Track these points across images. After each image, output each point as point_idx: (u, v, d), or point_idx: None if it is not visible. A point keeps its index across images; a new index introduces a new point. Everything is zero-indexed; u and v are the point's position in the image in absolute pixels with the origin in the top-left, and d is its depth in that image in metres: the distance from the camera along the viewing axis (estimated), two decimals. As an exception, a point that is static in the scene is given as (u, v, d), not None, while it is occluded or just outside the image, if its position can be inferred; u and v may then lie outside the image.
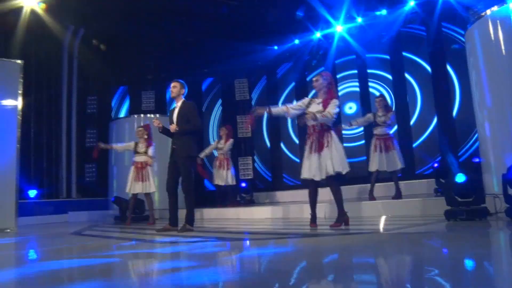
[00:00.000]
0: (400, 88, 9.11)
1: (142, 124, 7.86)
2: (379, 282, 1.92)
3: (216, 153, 8.96)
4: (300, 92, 10.46)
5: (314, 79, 4.70)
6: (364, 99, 9.50)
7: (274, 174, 11.03)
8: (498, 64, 5.09)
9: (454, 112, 8.19)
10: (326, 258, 2.73)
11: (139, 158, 7.37)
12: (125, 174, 9.48)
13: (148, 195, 7.44)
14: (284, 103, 10.67)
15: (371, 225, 4.72)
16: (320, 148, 4.43)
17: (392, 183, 6.60)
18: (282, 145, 11.01)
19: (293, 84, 11.02)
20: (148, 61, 11.38)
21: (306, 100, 4.78)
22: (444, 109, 8.19)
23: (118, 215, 8.80)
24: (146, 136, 7.46)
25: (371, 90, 9.51)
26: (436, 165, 6.92)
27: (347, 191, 8.51)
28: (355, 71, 9.98)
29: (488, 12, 5.32)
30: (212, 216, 8.11)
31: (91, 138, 11.32)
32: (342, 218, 4.52)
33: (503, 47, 5.10)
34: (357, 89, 9.86)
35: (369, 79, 9.60)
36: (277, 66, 11.32)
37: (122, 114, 11.92)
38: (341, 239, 3.72)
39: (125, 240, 5.08)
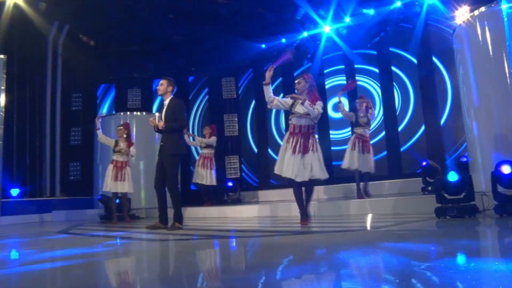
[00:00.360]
0: (386, 81, 9.21)
1: (122, 123, 7.74)
2: (370, 277, 1.91)
3: (199, 150, 9.01)
4: (288, 90, 10.50)
5: (296, 81, 4.75)
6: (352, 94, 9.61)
7: (260, 173, 11.01)
8: (485, 64, 5.16)
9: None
10: (316, 254, 2.72)
11: (119, 157, 7.29)
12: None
13: (125, 194, 7.42)
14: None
15: (362, 223, 4.73)
16: (305, 150, 4.45)
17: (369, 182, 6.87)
18: (268, 144, 11.00)
19: (280, 79, 11.03)
20: (134, 59, 11.23)
21: (290, 100, 4.78)
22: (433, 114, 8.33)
23: (104, 214, 8.68)
24: (125, 135, 7.38)
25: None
26: (424, 163, 6.98)
27: (335, 190, 8.65)
28: (342, 66, 10.03)
29: (476, 12, 5.39)
30: (200, 214, 8.05)
31: (75, 136, 11.16)
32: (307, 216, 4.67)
33: (490, 48, 5.18)
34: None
35: (356, 74, 9.67)
36: (264, 64, 11.28)
37: (108, 111, 11.75)
38: (332, 236, 3.73)
39: (112, 238, 4.99)
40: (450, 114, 8.24)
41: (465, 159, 6.88)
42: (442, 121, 8.33)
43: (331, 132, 9.99)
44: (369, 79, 9.64)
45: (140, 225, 6.78)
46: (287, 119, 10.18)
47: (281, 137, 10.76)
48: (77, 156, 11.12)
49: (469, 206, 4.37)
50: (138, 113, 9.98)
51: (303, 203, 4.75)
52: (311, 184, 4.64)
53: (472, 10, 6.92)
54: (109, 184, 7.16)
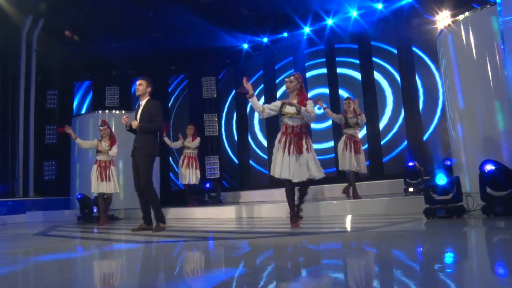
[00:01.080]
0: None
1: (101, 120, 7.52)
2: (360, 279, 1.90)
3: (180, 151, 8.89)
4: (269, 86, 10.55)
5: (288, 79, 4.68)
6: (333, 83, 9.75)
7: (241, 174, 10.96)
8: (469, 68, 5.28)
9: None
10: (305, 257, 2.71)
11: (103, 157, 7.08)
12: (88, 172, 9.15)
13: (110, 194, 7.28)
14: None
15: (352, 224, 4.75)
16: (299, 150, 4.42)
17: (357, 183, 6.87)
18: (250, 143, 10.96)
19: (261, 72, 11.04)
20: (112, 56, 10.96)
21: (278, 103, 4.74)
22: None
23: (80, 215, 8.42)
24: (109, 134, 7.19)
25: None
26: (411, 163, 7.07)
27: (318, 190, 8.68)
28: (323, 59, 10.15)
29: (461, 17, 5.51)
30: (182, 215, 7.92)
31: (50, 135, 10.81)
32: (298, 218, 4.60)
33: (474, 52, 5.30)
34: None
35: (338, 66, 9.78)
36: (245, 62, 11.26)
37: (84, 110, 11.46)
38: (326, 237, 3.72)
39: (103, 240, 4.85)
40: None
41: (449, 162, 7.04)
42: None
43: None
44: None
45: (122, 226, 6.62)
46: (271, 118, 10.29)
47: (264, 135, 10.77)
48: (52, 155, 10.78)
49: (457, 207, 4.46)
50: (117, 111, 9.74)
51: (294, 204, 4.71)
52: (307, 184, 4.55)
53: (453, 15, 7.15)
54: (94, 185, 6.96)
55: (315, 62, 10.41)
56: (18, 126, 10.51)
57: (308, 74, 10.39)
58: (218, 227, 5.48)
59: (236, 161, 11.15)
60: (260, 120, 10.81)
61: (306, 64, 10.46)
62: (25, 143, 10.59)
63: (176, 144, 8.75)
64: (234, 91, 11.29)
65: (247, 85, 4.57)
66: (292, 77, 4.67)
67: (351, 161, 6.48)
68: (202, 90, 11.17)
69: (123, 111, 9.76)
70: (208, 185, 9.50)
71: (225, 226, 5.66)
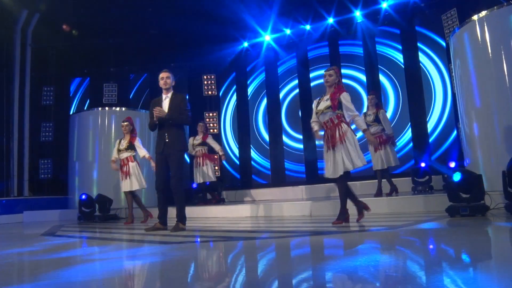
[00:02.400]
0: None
1: (125, 118, 7.14)
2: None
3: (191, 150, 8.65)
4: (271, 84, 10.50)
5: (327, 73, 4.49)
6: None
7: (242, 172, 10.86)
8: (486, 67, 5.29)
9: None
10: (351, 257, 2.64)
11: (123, 155, 6.83)
12: (89, 171, 8.97)
13: (130, 192, 6.87)
14: (252, 94, 10.74)
15: (380, 222, 4.64)
16: (333, 144, 4.33)
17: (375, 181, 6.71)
18: (252, 142, 10.88)
19: (263, 77, 10.94)
20: (110, 52, 10.75)
21: (315, 102, 4.68)
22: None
23: (80, 214, 8.20)
24: (131, 131, 6.92)
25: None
26: (423, 164, 7.07)
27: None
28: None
29: (476, 17, 5.53)
30: (193, 214, 7.79)
31: (46, 132, 10.55)
32: (343, 216, 4.45)
33: (490, 50, 5.31)
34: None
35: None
36: (246, 61, 11.17)
37: (75, 106, 11.22)
38: (365, 236, 3.67)
39: (130, 242, 4.70)
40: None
41: (453, 164, 7.06)
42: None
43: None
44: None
45: (129, 226, 6.47)
46: (269, 117, 10.29)
47: (267, 133, 10.68)
48: (48, 153, 10.52)
49: (480, 205, 4.45)
50: (118, 108, 9.56)
51: (355, 197, 4.54)
52: (339, 178, 4.35)
53: (461, 14, 7.19)
54: (121, 184, 6.76)
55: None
56: (13, 123, 10.23)
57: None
58: (241, 227, 5.38)
59: (237, 159, 11.04)
60: (264, 118, 10.74)
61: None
62: (20, 141, 10.32)
63: (190, 146, 8.51)
64: (235, 87, 11.19)
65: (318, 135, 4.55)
66: (331, 71, 4.49)
67: (378, 159, 6.31)
68: (202, 87, 11.03)
69: (123, 108, 9.58)
70: (207, 184, 9.37)
71: (244, 225, 5.56)
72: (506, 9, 5.16)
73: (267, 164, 10.47)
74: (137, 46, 10.83)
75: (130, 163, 6.70)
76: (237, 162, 10.99)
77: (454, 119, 7.88)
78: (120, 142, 6.83)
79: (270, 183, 10.12)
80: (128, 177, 6.68)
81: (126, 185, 6.69)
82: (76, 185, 9.15)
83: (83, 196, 8.05)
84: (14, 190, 10.10)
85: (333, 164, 4.30)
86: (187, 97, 11.47)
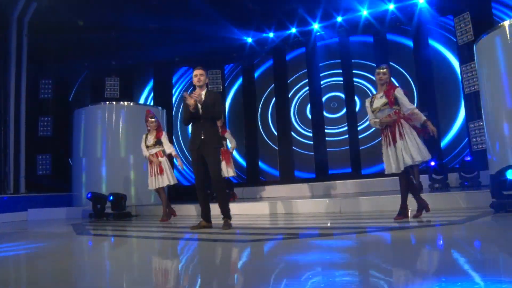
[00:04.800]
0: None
1: (152, 113, 6.88)
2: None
3: None
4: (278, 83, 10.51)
5: (382, 71, 4.54)
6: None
7: (249, 169, 10.83)
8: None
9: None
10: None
11: (151, 151, 6.56)
12: (97, 167, 8.72)
13: (162, 189, 6.60)
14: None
15: (435, 218, 4.73)
16: (393, 140, 4.42)
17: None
18: (257, 139, 10.88)
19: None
20: (112, 45, 10.43)
21: (368, 101, 4.74)
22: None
23: (92, 211, 7.96)
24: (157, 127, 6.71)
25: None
26: (433, 163, 7.35)
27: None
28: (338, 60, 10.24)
29: (506, 23, 5.80)
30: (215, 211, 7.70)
31: (45, 127, 10.14)
32: (404, 210, 4.55)
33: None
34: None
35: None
36: (251, 57, 11.15)
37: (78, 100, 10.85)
38: (429, 231, 3.77)
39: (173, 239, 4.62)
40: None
41: (469, 158, 7.40)
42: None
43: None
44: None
45: (167, 223, 6.34)
46: (277, 113, 10.32)
47: (266, 132, 10.71)
48: (47, 149, 10.11)
49: (527, 202, 4.68)
50: (126, 103, 9.31)
51: (418, 195, 4.63)
52: (402, 173, 4.44)
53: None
54: (149, 181, 6.53)
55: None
56: (9, 116, 9.76)
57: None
58: (279, 224, 5.39)
59: (242, 156, 11.01)
60: (272, 113, 10.76)
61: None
62: (16, 135, 9.84)
63: None
64: (241, 80, 11.14)
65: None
66: (385, 69, 4.55)
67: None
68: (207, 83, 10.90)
69: (131, 103, 9.35)
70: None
71: (280, 222, 5.58)
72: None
73: (274, 162, 10.53)
74: (139, 39, 10.55)
75: (160, 159, 6.53)
76: (243, 160, 10.97)
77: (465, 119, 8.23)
78: (146, 137, 6.64)
79: (278, 180, 10.17)
80: (159, 173, 6.51)
81: (158, 182, 6.50)
82: (83, 182, 8.85)
83: (88, 195, 7.80)
84: (10, 187, 9.65)
85: (396, 159, 4.39)
86: (191, 90, 11.39)
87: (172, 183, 6.55)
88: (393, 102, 4.49)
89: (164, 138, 6.55)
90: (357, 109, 9.79)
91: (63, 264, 2.97)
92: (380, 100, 4.57)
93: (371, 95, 4.83)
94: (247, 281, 2.17)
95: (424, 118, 4.48)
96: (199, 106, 4.86)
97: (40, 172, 10.03)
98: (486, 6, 7.85)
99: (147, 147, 6.53)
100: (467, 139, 8.25)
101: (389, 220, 4.53)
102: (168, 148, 6.55)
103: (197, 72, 5.10)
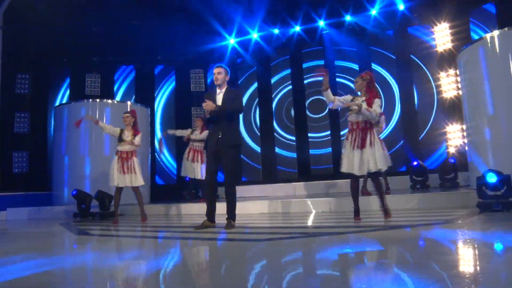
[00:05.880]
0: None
1: (128, 110, 6.97)
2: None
3: (186, 143, 8.54)
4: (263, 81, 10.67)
5: (355, 80, 4.97)
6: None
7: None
8: (501, 78, 5.98)
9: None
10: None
11: (124, 148, 6.57)
12: (80, 166, 8.54)
13: (136, 188, 6.69)
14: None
15: (428, 217, 5.01)
16: (362, 145, 4.68)
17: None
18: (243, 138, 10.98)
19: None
20: (94, 41, 10.20)
21: (348, 97, 4.97)
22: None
23: (76, 211, 7.80)
24: (132, 124, 6.72)
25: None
26: (415, 163, 7.73)
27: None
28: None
29: (488, 36, 6.23)
30: (195, 211, 7.75)
31: (21, 123, 9.77)
32: (387, 211, 4.84)
33: (508, 64, 5.97)
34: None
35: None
36: (234, 57, 11.23)
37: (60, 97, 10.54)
38: (419, 230, 4.03)
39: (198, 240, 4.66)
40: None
41: (452, 160, 7.85)
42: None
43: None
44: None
45: (145, 223, 6.33)
46: (261, 113, 10.46)
47: (249, 132, 10.84)
48: (24, 146, 9.75)
49: (510, 202, 5.07)
50: (110, 101, 9.15)
51: (357, 198, 4.93)
52: (373, 177, 4.81)
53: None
54: (116, 177, 6.44)
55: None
56: (-18, 112, 9.36)
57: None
58: (278, 223, 5.51)
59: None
60: (255, 114, 10.88)
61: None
62: (-10, 131, 9.47)
63: (183, 133, 8.41)
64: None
65: (326, 78, 4.68)
66: (357, 78, 4.92)
67: None
68: (190, 82, 10.90)
69: (115, 101, 9.20)
70: (187, 179, 9.32)
71: (277, 221, 5.70)
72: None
73: (257, 161, 10.66)
74: (121, 36, 10.37)
75: (134, 158, 6.56)
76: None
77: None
78: (123, 132, 6.60)
79: (262, 180, 10.31)
80: (133, 172, 6.51)
81: (127, 180, 6.49)
82: (65, 181, 8.63)
83: (74, 192, 7.65)
84: (-17, 185, 9.26)
85: (359, 163, 4.66)
86: (173, 89, 11.31)
87: (139, 184, 6.60)
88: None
89: (139, 137, 6.57)
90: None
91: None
92: (362, 104, 4.82)
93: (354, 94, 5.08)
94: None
95: (377, 118, 4.82)
96: (216, 109, 4.91)
97: (16, 170, 9.66)
98: (464, 18, 8.36)
99: (123, 141, 6.49)
100: (444, 142, 8.73)
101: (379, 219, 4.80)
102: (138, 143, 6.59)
103: (215, 70, 5.16)
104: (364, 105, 4.68)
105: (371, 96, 4.82)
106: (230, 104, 4.93)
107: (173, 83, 11.21)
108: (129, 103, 9.17)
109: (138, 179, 6.59)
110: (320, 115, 10.32)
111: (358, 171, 4.69)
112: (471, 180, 6.82)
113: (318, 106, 10.34)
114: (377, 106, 4.78)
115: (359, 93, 4.98)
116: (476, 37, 8.11)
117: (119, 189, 6.60)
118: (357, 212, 4.90)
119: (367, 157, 4.65)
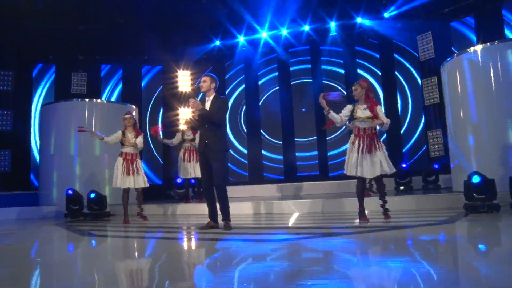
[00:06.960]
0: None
1: (127, 111, 6.97)
2: None
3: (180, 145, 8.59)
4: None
5: (353, 88, 5.19)
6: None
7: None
8: (486, 89, 6.41)
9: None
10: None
11: (129, 149, 6.59)
12: (69, 165, 8.46)
13: (139, 190, 6.72)
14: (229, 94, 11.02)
15: (423, 218, 5.32)
16: (370, 150, 4.96)
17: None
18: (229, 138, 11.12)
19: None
20: (80, 38, 10.05)
21: (350, 107, 5.22)
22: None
23: (66, 211, 7.72)
24: (133, 124, 6.73)
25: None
26: (404, 165, 8.11)
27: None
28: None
29: (471, 49, 6.67)
30: (188, 211, 7.84)
31: (4, 121, 9.54)
32: (386, 212, 5.13)
33: (491, 76, 6.40)
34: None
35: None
36: (222, 59, 11.36)
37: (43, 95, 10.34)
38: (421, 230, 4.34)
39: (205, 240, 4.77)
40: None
41: (436, 166, 8.28)
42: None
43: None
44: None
45: (147, 222, 6.38)
46: (246, 115, 10.59)
47: (235, 134, 11.01)
48: (6, 144, 9.51)
49: (495, 204, 5.48)
50: (99, 100, 9.08)
51: (363, 200, 5.19)
52: (379, 180, 5.05)
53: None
54: (120, 179, 6.45)
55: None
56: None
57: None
58: (275, 223, 5.69)
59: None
60: (241, 116, 11.04)
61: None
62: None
63: (177, 139, 8.47)
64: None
65: (323, 102, 4.95)
66: (356, 85, 5.16)
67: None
68: (177, 82, 10.93)
69: (105, 101, 9.15)
70: (193, 181, 9.40)
71: (272, 222, 5.88)
72: (499, 46, 6.39)
73: (244, 160, 10.84)
74: (109, 34, 10.27)
75: (138, 160, 6.61)
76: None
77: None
78: (124, 134, 6.62)
79: (248, 181, 10.48)
80: (138, 173, 6.57)
81: (132, 182, 6.54)
82: (53, 180, 8.51)
83: (69, 192, 7.60)
84: (-37, 184, 9.01)
85: (370, 165, 4.92)
86: (161, 89, 11.28)
87: (144, 185, 6.67)
88: (376, 116, 5.05)
89: (141, 138, 6.64)
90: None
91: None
92: (364, 112, 5.05)
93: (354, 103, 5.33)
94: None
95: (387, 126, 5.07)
96: (201, 110, 5.03)
97: (-3, 169, 9.44)
98: (446, 27, 8.84)
99: (126, 144, 6.52)
100: (425, 146, 9.19)
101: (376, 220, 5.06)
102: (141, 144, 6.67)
103: (201, 79, 5.32)
104: (385, 120, 4.95)
105: (372, 103, 5.07)
106: (213, 112, 5.07)
107: (161, 83, 11.23)
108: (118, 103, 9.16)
109: (143, 181, 6.63)
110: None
111: (369, 175, 4.95)
112: (453, 183, 7.26)
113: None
114: (383, 114, 5.05)
115: (358, 101, 5.24)
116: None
117: (126, 190, 6.61)
118: (362, 213, 5.09)
119: (378, 160, 4.90)
